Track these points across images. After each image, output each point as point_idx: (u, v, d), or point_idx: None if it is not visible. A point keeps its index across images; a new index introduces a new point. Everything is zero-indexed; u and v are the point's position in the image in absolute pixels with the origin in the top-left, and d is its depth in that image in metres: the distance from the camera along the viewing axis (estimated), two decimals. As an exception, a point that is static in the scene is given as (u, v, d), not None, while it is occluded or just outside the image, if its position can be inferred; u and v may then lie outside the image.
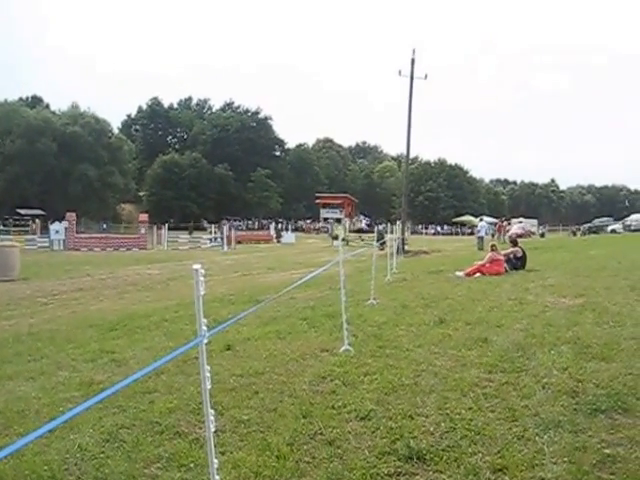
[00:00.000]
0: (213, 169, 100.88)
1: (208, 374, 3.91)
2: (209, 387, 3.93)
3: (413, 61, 40.06)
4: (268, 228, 70.08)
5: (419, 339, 9.44)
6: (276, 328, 10.66)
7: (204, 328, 3.87)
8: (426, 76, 41.39)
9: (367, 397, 6.70)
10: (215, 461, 3.96)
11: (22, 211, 66.03)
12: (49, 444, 5.72)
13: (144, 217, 50.82)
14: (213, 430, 4.01)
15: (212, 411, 4.00)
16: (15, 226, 59.29)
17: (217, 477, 3.95)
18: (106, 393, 3.21)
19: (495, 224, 55.28)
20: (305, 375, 7.69)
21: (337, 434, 5.72)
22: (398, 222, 35.20)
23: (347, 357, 8.48)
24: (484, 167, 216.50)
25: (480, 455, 5.13)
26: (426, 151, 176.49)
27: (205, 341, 3.95)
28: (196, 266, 3.74)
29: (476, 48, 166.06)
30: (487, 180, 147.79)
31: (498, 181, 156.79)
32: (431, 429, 5.74)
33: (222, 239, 48.53)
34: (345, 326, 9.07)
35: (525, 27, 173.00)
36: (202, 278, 3.80)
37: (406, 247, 35.68)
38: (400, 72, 40.48)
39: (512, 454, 5.09)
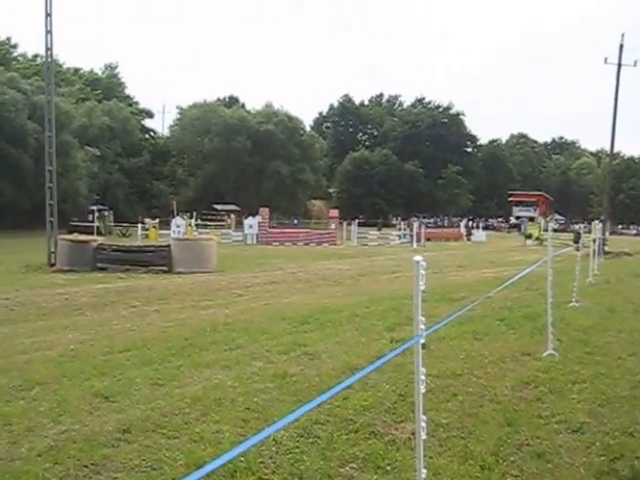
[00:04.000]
0: (403, 166, 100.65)
1: (423, 377, 3.57)
2: (423, 391, 3.60)
3: (621, 47, 37.67)
4: (458, 226, 69.01)
5: (633, 347, 8.71)
6: (472, 328, 10.22)
7: (421, 327, 3.53)
8: (635, 63, 38.95)
9: (578, 408, 6.18)
10: (424, 472, 3.64)
11: (218, 206, 68.84)
12: (245, 434, 5.69)
13: (334, 213, 51.34)
14: (424, 438, 3.68)
15: (424, 417, 3.67)
16: (212, 221, 61.87)
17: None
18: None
19: None
20: (506, 379, 7.26)
21: (546, 447, 5.27)
22: (596, 221, 33.38)
23: (552, 362, 7.95)
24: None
25: None
26: (630, 145, 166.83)
27: (422, 341, 3.62)
28: (417, 258, 3.41)
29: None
30: None
31: None
32: (657, 450, 5.15)
33: (411, 236, 48.22)
34: (550, 329, 8.48)
35: None
36: (423, 272, 3.47)
37: (606, 248, 33.75)
38: (606, 60, 38.26)
39: None
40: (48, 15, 25.73)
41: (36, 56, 67.41)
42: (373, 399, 6.50)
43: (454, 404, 6.39)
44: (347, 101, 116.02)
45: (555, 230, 62.59)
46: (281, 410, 6.26)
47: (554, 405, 6.27)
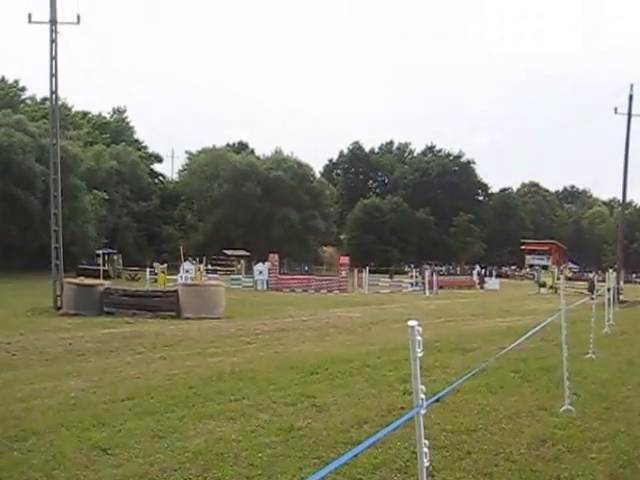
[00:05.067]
0: (414, 213, 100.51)
1: (426, 449, 3.28)
2: (427, 464, 3.31)
3: (631, 97, 37.64)
4: (470, 273, 68.70)
5: (653, 402, 8.37)
6: (486, 381, 9.88)
7: (422, 397, 3.25)
8: (645, 112, 38.87)
9: (598, 469, 5.85)
10: None
11: (228, 252, 68.70)
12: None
13: (345, 260, 51.19)
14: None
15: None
16: (221, 266, 61.78)
17: None
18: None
19: None
20: (522, 436, 6.94)
21: (567, 511, 4.94)
22: (610, 270, 33.03)
23: (569, 418, 7.62)
24: None
25: None
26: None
27: (423, 412, 3.34)
28: (412, 323, 3.16)
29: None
30: None
31: None
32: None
33: (423, 284, 47.92)
34: (567, 383, 8.16)
35: None
36: (419, 338, 3.21)
37: (621, 297, 33.31)
38: (616, 110, 38.25)
39: None
40: (53, 58, 26.07)
41: (45, 99, 67.99)
42: (384, 456, 6.19)
43: (468, 463, 6.08)
44: (357, 148, 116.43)
45: (569, 279, 62.26)
46: (286, 467, 5.98)
47: (573, 465, 5.95)
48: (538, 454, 6.36)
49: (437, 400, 8.46)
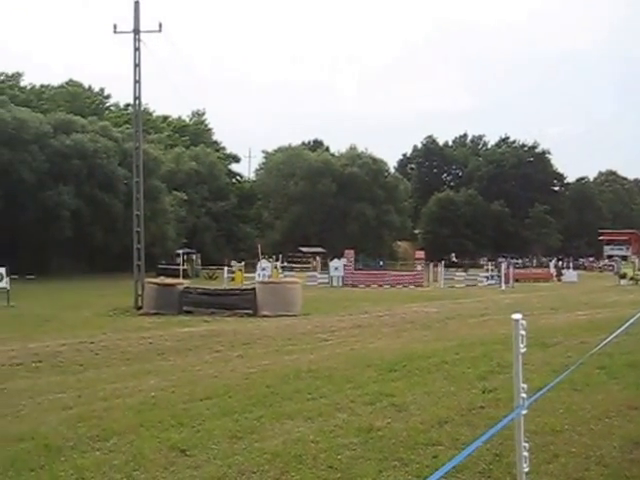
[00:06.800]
0: (489, 206, 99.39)
1: (526, 453, 3.10)
2: (526, 469, 3.13)
3: None
4: (547, 266, 67.28)
5: None
6: (569, 377, 9.52)
7: (523, 396, 3.06)
8: None
9: (699, 475, 5.54)
10: None
11: (304, 249, 68.90)
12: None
13: (420, 254, 50.71)
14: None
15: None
16: (297, 263, 61.92)
17: None
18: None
19: None
20: (613, 438, 6.65)
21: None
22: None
23: (663, 419, 7.27)
24: None
25: None
26: None
27: (524, 412, 3.16)
28: (516, 316, 2.99)
29: None
30: None
31: None
32: None
33: (499, 277, 47.10)
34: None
35: None
36: (523, 332, 3.03)
37: None
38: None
39: None
40: (137, 66, 26.63)
41: (128, 105, 69.89)
42: (466, 459, 5.99)
43: (556, 467, 5.85)
44: (431, 142, 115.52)
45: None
46: (365, 469, 5.85)
47: (671, 470, 5.66)
48: (632, 457, 6.09)
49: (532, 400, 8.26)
